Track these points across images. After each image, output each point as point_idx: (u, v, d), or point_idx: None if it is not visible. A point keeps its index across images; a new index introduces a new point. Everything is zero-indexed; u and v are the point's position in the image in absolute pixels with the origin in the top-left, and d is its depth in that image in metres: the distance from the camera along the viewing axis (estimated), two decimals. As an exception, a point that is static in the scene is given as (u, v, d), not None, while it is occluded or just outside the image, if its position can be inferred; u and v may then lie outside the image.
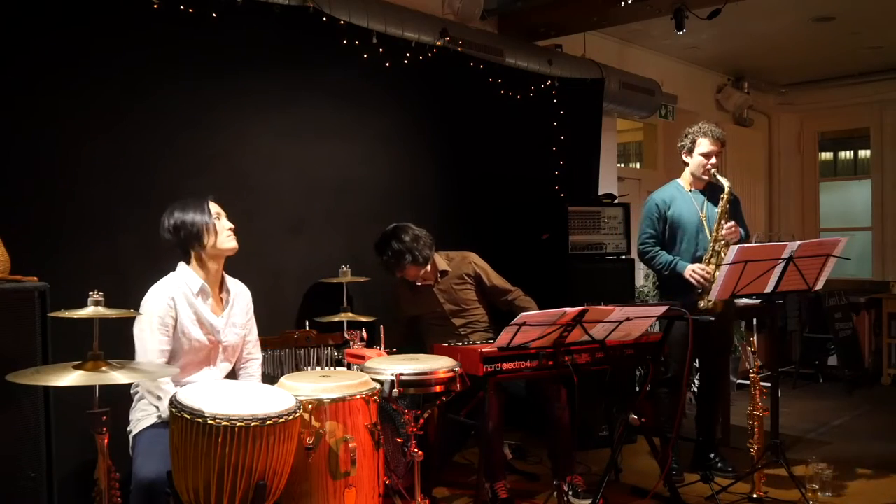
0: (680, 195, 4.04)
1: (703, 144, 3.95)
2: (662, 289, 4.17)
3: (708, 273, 3.77)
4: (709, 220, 3.92)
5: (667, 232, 4.01)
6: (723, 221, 3.81)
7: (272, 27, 3.68)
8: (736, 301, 4.03)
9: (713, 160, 3.94)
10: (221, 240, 2.79)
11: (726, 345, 4.21)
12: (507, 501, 3.43)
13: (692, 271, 3.82)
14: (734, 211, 3.95)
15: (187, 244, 2.76)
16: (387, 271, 3.84)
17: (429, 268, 3.83)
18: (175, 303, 2.68)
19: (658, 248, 4.00)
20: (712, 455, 4.04)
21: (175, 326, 2.68)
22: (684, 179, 4.09)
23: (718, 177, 3.89)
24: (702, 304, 3.74)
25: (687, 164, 4.05)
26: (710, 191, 4.02)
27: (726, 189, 3.83)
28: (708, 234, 3.88)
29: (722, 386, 4.35)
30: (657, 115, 6.56)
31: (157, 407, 2.64)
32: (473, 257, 4.03)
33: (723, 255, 3.74)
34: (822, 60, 7.21)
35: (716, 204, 3.90)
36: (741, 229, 3.91)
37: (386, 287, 3.99)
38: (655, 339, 3.55)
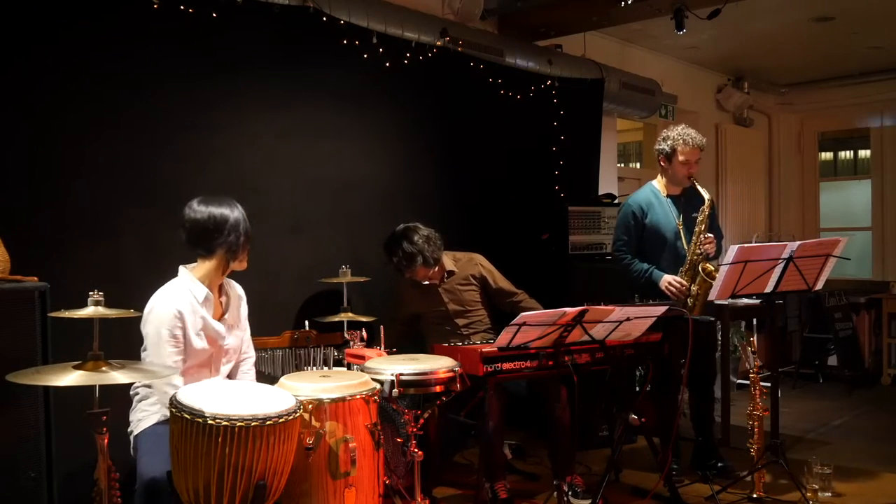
0: (657, 201, 3.96)
1: (683, 153, 3.85)
2: (642, 293, 4.11)
3: (683, 286, 3.76)
4: (685, 229, 3.86)
5: (644, 239, 3.95)
6: (702, 236, 3.78)
7: (272, 27, 3.68)
8: (723, 302, 4.00)
9: (693, 168, 3.87)
10: (242, 260, 2.79)
11: (707, 345, 4.09)
12: (507, 501, 3.43)
13: (668, 283, 3.79)
14: (710, 220, 3.88)
15: (213, 246, 2.70)
16: (396, 272, 3.85)
17: (437, 268, 3.84)
18: (182, 315, 2.63)
19: (631, 255, 3.96)
20: (713, 461, 4.02)
21: (184, 337, 2.65)
22: (660, 183, 4.01)
23: (699, 188, 3.83)
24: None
25: (664, 169, 3.97)
26: (687, 196, 3.95)
27: (706, 202, 3.78)
28: (685, 244, 3.84)
29: (712, 386, 4.27)
30: (657, 115, 6.56)
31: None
32: (480, 259, 4.04)
33: (699, 268, 3.74)
34: (822, 60, 7.21)
35: (693, 210, 3.86)
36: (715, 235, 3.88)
37: (386, 287, 3.99)
38: (655, 340, 3.55)
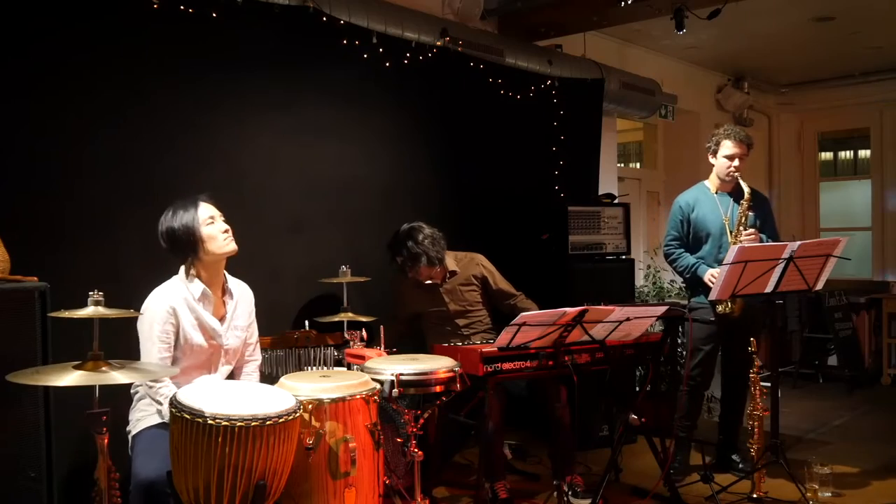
0: (705, 197, 4.04)
1: (727, 146, 3.94)
2: (690, 287, 4.15)
3: None
4: (732, 223, 3.91)
5: (691, 234, 4.03)
6: (741, 228, 3.82)
7: (272, 27, 3.68)
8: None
9: (736, 162, 3.92)
10: (218, 244, 2.74)
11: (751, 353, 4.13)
12: (507, 501, 3.43)
13: (711, 276, 3.83)
14: (763, 214, 3.97)
15: (182, 253, 2.72)
16: (400, 272, 3.85)
17: (440, 268, 3.84)
18: (176, 311, 2.65)
19: (681, 250, 4.04)
20: (734, 456, 4.07)
21: (177, 334, 2.67)
22: (711, 182, 4.10)
23: (742, 182, 3.89)
24: (720, 308, 3.75)
25: (713, 165, 4.06)
26: (737, 193, 3.98)
27: (746, 194, 3.84)
28: (731, 238, 3.88)
29: (747, 389, 4.27)
30: (657, 115, 6.56)
31: (159, 412, 2.64)
32: (481, 259, 4.04)
33: None
34: (822, 60, 7.22)
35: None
36: (762, 234, 3.91)
37: (386, 287, 3.99)
38: (655, 339, 3.55)
